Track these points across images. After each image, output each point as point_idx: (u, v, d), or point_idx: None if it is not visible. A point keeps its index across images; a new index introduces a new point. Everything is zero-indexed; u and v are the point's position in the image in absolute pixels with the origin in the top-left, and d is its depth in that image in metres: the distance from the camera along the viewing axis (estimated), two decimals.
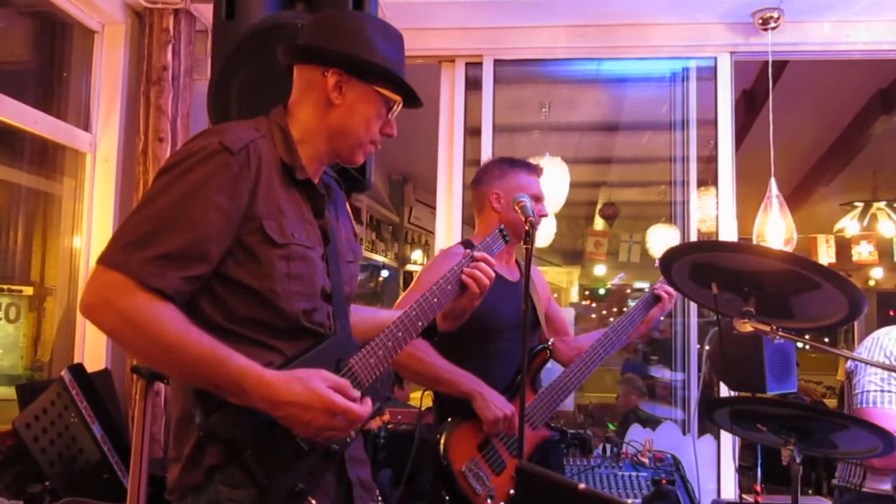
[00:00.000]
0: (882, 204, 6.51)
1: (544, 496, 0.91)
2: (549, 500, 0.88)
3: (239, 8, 2.24)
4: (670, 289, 2.52)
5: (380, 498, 1.64)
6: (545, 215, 2.48)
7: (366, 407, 1.40)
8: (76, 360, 3.19)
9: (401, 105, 1.56)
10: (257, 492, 1.35)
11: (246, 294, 1.40)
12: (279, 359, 1.41)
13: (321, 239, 1.52)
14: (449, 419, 2.30)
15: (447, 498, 2.20)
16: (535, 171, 2.53)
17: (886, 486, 2.28)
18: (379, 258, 7.35)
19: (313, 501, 1.39)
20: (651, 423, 3.66)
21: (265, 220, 1.40)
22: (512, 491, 2.23)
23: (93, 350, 3.24)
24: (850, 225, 6.42)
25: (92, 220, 3.30)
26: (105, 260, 1.33)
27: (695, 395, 3.75)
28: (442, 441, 2.24)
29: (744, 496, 3.12)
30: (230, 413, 1.33)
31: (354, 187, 2.25)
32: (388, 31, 1.55)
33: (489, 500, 2.19)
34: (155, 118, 3.19)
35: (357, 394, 1.40)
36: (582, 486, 0.79)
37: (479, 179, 2.57)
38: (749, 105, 4.96)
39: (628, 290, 7.82)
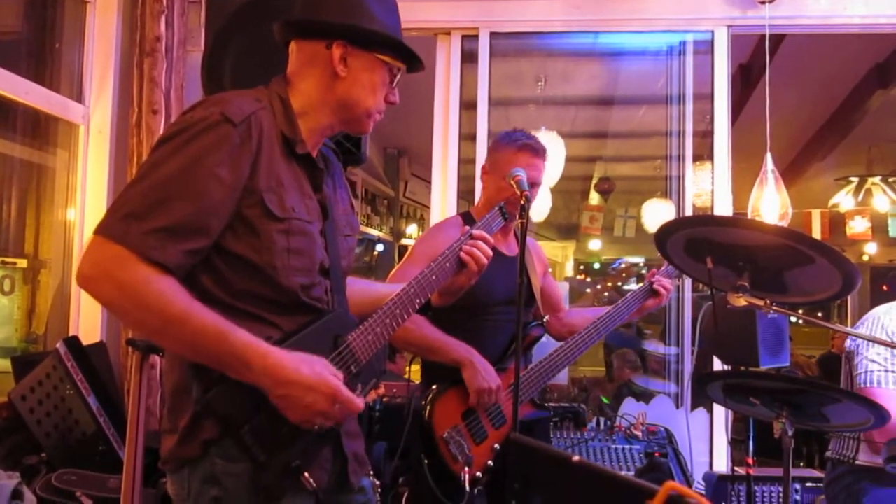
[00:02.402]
0: (877, 179, 6.52)
1: (537, 468, 0.92)
2: (542, 472, 0.89)
3: None
4: (667, 283, 2.53)
5: (371, 472, 1.66)
6: (531, 199, 2.39)
7: (361, 400, 1.41)
8: (71, 333, 3.20)
9: (403, 70, 1.54)
10: (253, 466, 1.36)
11: (245, 268, 1.39)
12: (277, 334, 1.40)
13: (320, 213, 1.51)
14: (434, 386, 2.32)
15: (427, 462, 2.22)
16: (531, 150, 2.40)
17: (879, 459, 2.30)
18: (374, 232, 7.34)
19: (309, 477, 1.40)
20: (644, 396, 3.70)
21: (266, 194, 1.39)
22: (490, 462, 2.26)
23: (88, 323, 3.24)
24: (844, 200, 6.44)
25: (86, 193, 3.29)
26: (104, 231, 1.30)
27: (688, 368, 3.78)
28: (426, 407, 2.27)
29: (736, 469, 3.16)
30: (228, 388, 1.33)
31: (349, 160, 2.25)
32: None
33: (466, 469, 2.21)
34: (148, 90, 3.15)
35: (348, 395, 1.39)
36: (576, 457, 0.80)
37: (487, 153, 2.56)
38: (745, 79, 4.94)
39: (622, 265, 7.84)
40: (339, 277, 1.54)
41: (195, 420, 1.37)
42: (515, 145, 2.42)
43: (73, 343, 2.80)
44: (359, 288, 1.69)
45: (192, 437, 1.37)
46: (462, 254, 1.63)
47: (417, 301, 1.57)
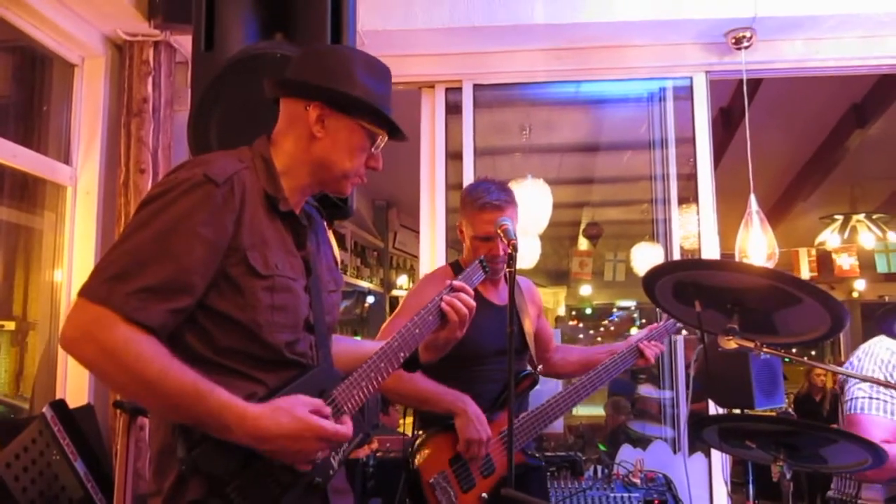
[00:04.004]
0: (861, 216, 6.60)
1: None
2: None
3: (218, 39, 2.24)
4: (656, 346, 2.55)
5: None
6: (497, 255, 2.36)
7: (348, 426, 1.41)
8: (58, 395, 3.15)
9: (385, 138, 1.56)
10: None
11: (229, 325, 1.40)
12: (262, 390, 1.40)
13: (304, 270, 1.52)
14: (421, 431, 2.30)
15: None
16: (490, 207, 2.35)
17: (880, 497, 2.29)
18: (364, 284, 7.33)
19: None
20: (641, 442, 3.66)
21: (249, 252, 1.40)
22: None
23: (75, 384, 3.20)
24: (830, 238, 6.50)
25: (73, 254, 3.28)
26: (87, 293, 1.31)
27: (684, 412, 3.75)
28: (414, 450, 2.24)
29: None
30: (213, 446, 1.32)
31: (337, 214, 2.25)
32: (375, 65, 1.56)
33: None
34: (136, 150, 3.18)
35: (329, 410, 1.40)
36: None
37: (460, 207, 2.57)
38: (726, 123, 5.03)
39: (617, 318, 7.84)
40: (323, 333, 1.55)
41: (180, 480, 1.35)
42: (477, 205, 2.38)
43: (59, 406, 2.76)
44: (345, 345, 1.70)
45: (178, 498, 1.36)
46: (442, 304, 1.63)
47: (402, 354, 1.57)
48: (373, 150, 1.55)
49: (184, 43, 3.24)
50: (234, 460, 1.33)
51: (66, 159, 3.34)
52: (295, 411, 1.34)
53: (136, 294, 1.30)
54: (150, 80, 3.20)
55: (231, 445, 1.32)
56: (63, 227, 3.32)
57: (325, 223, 1.90)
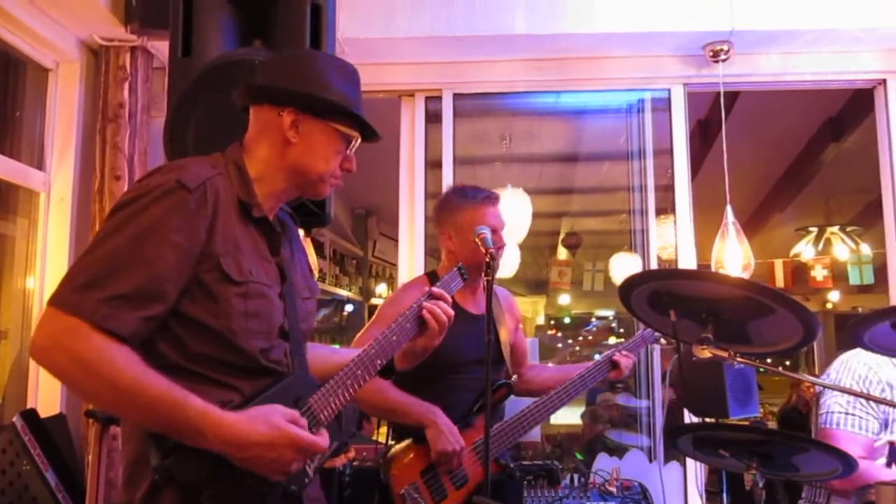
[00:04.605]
0: (835, 228, 6.68)
1: None
2: None
3: (196, 45, 2.22)
4: (628, 358, 2.56)
5: None
6: (503, 246, 2.45)
7: (324, 438, 1.41)
8: (29, 405, 3.10)
9: (359, 140, 1.57)
10: None
11: (202, 332, 1.39)
12: (237, 397, 1.39)
13: (278, 276, 1.52)
14: (393, 441, 2.30)
15: None
16: (487, 200, 2.45)
17: None
18: (343, 292, 7.30)
19: None
20: (618, 450, 3.67)
21: (222, 258, 1.39)
22: None
23: (47, 394, 3.15)
24: (805, 249, 6.57)
25: (46, 261, 3.23)
26: (57, 301, 1.30)
27: (660, 421, 3.77)
28: (386, 461, 2.23)
29: None
30: (188, 454, 1.31)
31: (314, 222, 2.24)
32: (344, 67, 1.57)
33: None
34: (111, 156, 3.15)
35: (305, 422, 1.40)
36: None
37: (436, 215, 2.57)
38: (704, 135, 5.08)
39: (595, 327, 7.87)
40: (298, 340, 1.54)
41: (153, 490, 1.34)
42: (475, 201, 2.44)
43: (30, 416, 2.72)
44: (321, 353, 1.69)
45: None
46: (423, 312, 1.63)
47: (378, 362, 1.57)
48: (347, 151, 1.55)
49: (161, 48, 3.22)
50: (208, 469, 1.32)
51: (39, 165, 3.29)
52: (272, 419, 1.34)
53: (108, 302, 1.28)
54: (126, 85, 3.17)
55: (206, 454, 1.30)
56: (36, 234, 3.27)
57: (302, 231, 1.89)
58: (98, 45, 3.27)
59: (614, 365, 2.55)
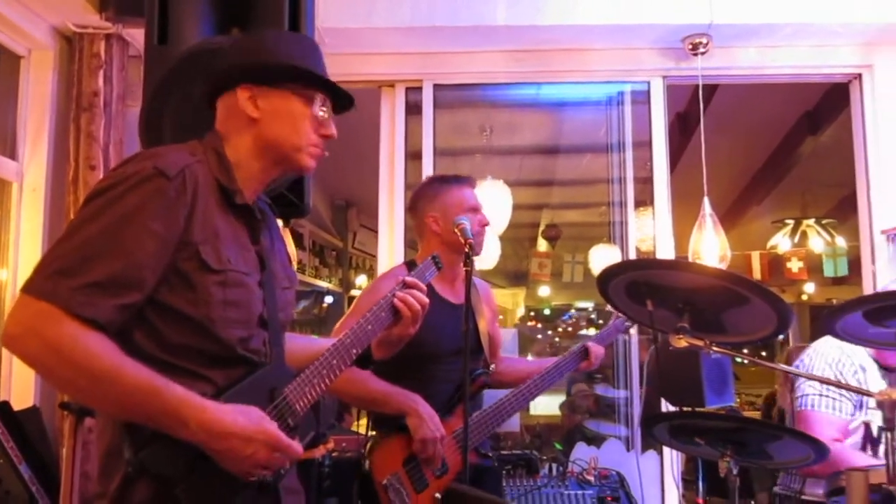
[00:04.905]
0: (811, 221, 6.76)
1: None
2: None
3: (172, 32, 2.19)
4: (600, 349, 2.57)
5: None
6: (487, 223, 2.49)
7: (299, 446, 1.40)
8: (2, 398, 3.05)
9: (328, 101, 1.53)
10: None
11: (181, 321, 1.37)
12: (211, 389, 1.37)
13: (258, 265, 1.50)
14: (375, 432, 2.30)
15: None
16: (467, 182, 2.52)
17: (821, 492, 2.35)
18: (323, 284, 7.27)
19: None
20: (596, 440, 3.70)
21: (201, 246, 1.37)
22: None
23: (20, 387, 3.11)
24: (782, 241, 6.64)
25: (19, 253, 3.19)
26: (30, 288, 1.27)
27: (637, 411, 3.80)
28: (367, 452, 2.24)
29: None
30: (162, 446, 1.29)
31: (293, 212, 2.23)
32: (297, 37, 1.58)
33: None
34: (86, 145, 3.10)
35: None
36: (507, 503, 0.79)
37: (414, 204, 2.58)
38: (683, 128, 5.11)
39: (572, 318, 7.92)
40: (277, 330, 1.52)
41: (127, 482, 1.32)
42: (458, 183, 2.50)
43: (3, 409, 2.69)
44: (298, 343, 1.67)
45: (124, 501, 1.32)
46: (396, 301, 1.62)
47: (354, 351, 1.56)
48: (318, 115, 1.51)
49: (137, 36, 3.17)
50: (183, 461, 1.30)
51: (11, 154, 3.24)
52: (252, 415, 1.34)
53: (83, 289, 1.26)
54: (101, 73, 3.13)
55: (181, 446, 1.29)
56: (8, 225, 3.22)
57: (281, 222, 1.88)
58: (72, 32, 3.22)
59: (585, 355, 2.57)
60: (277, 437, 1.34)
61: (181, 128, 2.08)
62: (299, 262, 6.27)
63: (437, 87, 3.78)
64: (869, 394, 1.78)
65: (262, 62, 1.48)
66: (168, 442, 1.28)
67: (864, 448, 2.44)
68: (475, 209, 2.46)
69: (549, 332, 7.97)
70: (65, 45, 3.29)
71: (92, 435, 2.89)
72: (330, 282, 7.45)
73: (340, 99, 1.56)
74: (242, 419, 1.31)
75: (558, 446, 4.41)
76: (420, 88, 3.77)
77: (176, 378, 1.31)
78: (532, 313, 8.26)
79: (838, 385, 2.38)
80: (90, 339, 1.26)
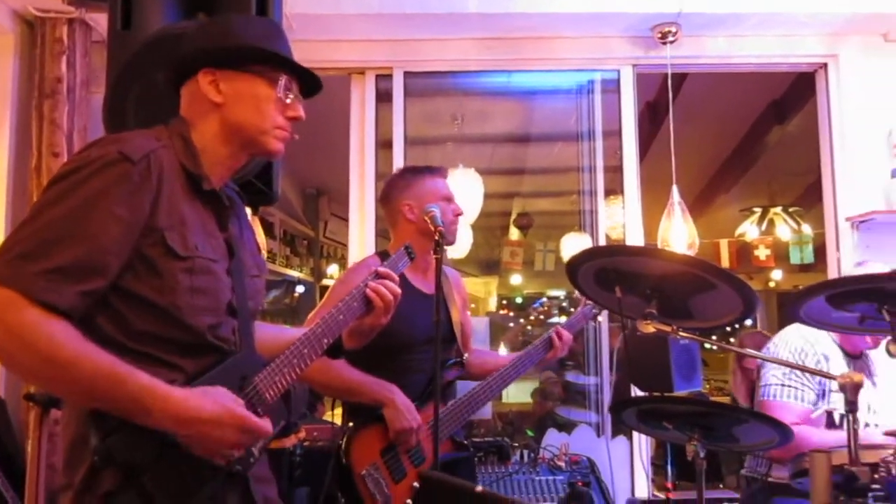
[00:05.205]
0: (778, 209, 6.86)
1: (444, 501, 0.91)
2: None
3: (136, 17, 2.15)
4: (567, 335, 2.57)
5: None
6: (461, 213, 2.50)
7: (268, 424, 1.39)
8: None
9: (293, 84, 1.51)
10: None
11: (146, 309, 1.35)
12: (180, 377, 1.36)
13: (226, 252, 1.48)
14: (351, 423, 2.29)
15: (343, 501, 2.19)
16: (440, 172, 2.54)
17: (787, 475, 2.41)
18: (294, 273, 7.22)
19: None
20: (567, 426, 3.74)
21: (167, 232, 1.36)
22: (409, 501, 2.23)
23: None
24: (749, 229, 6.73)
25: None
26: None
27: (607, 398, 3.84)
28: (345, 443, 2.23)
29: (656, 493, 3.22)
30: (129, 434, 1.27)
31: (262, 200, 2.21)
32: (258, 19, 1.57)
33: None
34: (49, 132, 3.04)
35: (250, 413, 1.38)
36: (479, 488, 0.80)
37: (387, 193, 2.57)
38: (653, 117, 5.14)
39: (543, 305, 7.94)
40: (246, 318, 1.51)
41: (93, 471, 1.30)
42: (429, 173, 2.51)
43: None
44: (269, 332, 1.66)
45: (90, 491, 1.30)
46: (368, 291, 1.62)
47: (325, 340, 1.55)
48: (283, 97, 1.49)
49: (100, 21, 3.10)
50: (150, 449, 1.29)
51: None
52: (219, 398, 1.32)
53: (46, 275, 1.24)
54: (63, 59, 3.06)
55: (148, 433, 1.27)
56: None
57: (249, 210, 1.86)
58: (33, 16, 3.15)
59: (550, 345, 2.57)
60: (245, 417, 1.34)
61: (146, 114, 2.05)
62: (270, 252, 6.22)
63: (407, 74, 3.76)
64: (831, 376, 1.82)
65: (222, 45, 1.47)
66: (135, 429, 1.27)
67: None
68: (449, 199, 2.47)
69: (521, 321, 8.01)
70: (26, 30, 3.22)
71: (58, 427, 2.85)
72: (301, 271, 7.40)
73: (307, 81, 1.54)
74: (208, 403, 1.30)
75: (530, 433, 4.45)
76: (390, 76, 3.75)
77: (145, 366, 1.30)
78: (504, 302, 8.29)
79: (802, 369, 2.42)
80: (53, 327, 1.24)
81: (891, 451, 1.70)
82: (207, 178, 1.45)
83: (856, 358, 2.58)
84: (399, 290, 1.67)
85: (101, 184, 1.30)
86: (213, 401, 1.31)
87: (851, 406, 1.68)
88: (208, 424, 1.29)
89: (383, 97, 3.78)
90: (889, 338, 1.72)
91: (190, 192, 1.43)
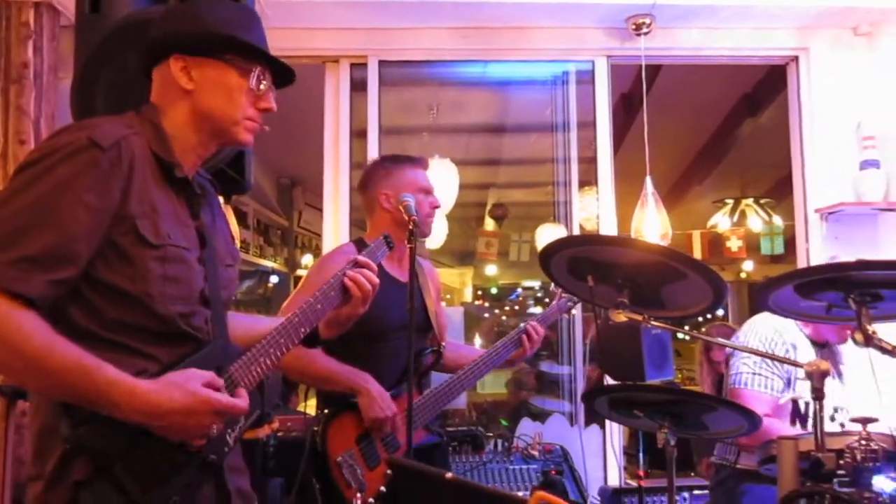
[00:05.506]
0: (750, 201, 6.94)
1: (414, 487, 0.92)
2: (420, 491, 0.89)
3: (105, 1, 2.12)
4: (541, 330, 2.55)
5: None
6: (438, 206, 2.51)
7: (244, 399, 1.39)
8: None
9: (267, 74, 1.49)
10: None
11: (118, 297, 1.34)
12: (155, 366, 1.35)
13: (198, 241, 1.47)
14: (326, 410, 2.29)
15: (318, 487, 2.18)
16: (420, 163, 2.53)
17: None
18: (268, 263, 7.17)
19: None
20: (541, 416, 3.77)
21: (139, 220, 1.34)
22: (383, 488, 2.24)
23: None
24: (721, 221, 6.80)
25: None
26: None
27: (580, 387, 3.87)
28: (320, 430, 2.23)
29: (628, 481, 3.25)
30: (102, 422, 1.26)
31: (234, 189, 2.19)
32: (233, 4, 1.52)
33: (359, 495, 2.18)
34: (15, 119, 2.98)
35: (222, 383, 1.37)
36: (449, 474, 0.80)
37: (366, 182, 2.56)
38: (627, 108, 5.17)
39: (520, 296, 7.99)
40: (219, 307, 1.50)
41: (64, 461, 1.29)
42: (409, 163, 2.51)
43: None
44: (243, 322, 1.66)
45: (61, 481, 1.29)
46: (346, 280, 1.62)
47: (302, 330, 1.55)
48: (256, 88, 1.48)
49: (68, 5, 3.03)
50: (122, 438, 1.28)
51: None
52: (188, 386, 1.31)
53: (14, 264, 1.22)
54: (30, 43, 3.00)
55: (119, 423, 1.26)
56: None
57: (222, 198, 1.84)
58: None
59: (520, 343, 2.55)
60: (217, 401, 1.33)
61: (116, 100, 2.02)
62: (243, 241, 6.17)
63: (382, 63, 3.74)
64: (798, 364, 1.85)
65: (196, 31, 1.44)
66: (107, 419, 1.26)
67: (792, 423, 2.54)
68: (427, 191, 2.47)
69: (497, 311, 8.04)
70: None
71: (25, 418, 2.81)
72: (275, 261, 7.35)
73: (281, 72, 1.53)
74: (177, 394, 1.29)
75: (504, 423, 4.48)
76: (365, 65, 3.73)
77: (118, 356, 1.30)
78: (479, 292, 8.31)
79: (772, 357, 2.46)
80: (21, 318, 1.22)
81: (856, 438, 1.73)
82: (180, 166, 1.44)
83: (822, 347, 2.63)
84: (377, 281, 1.67)
85: (70, 171, 1.29)
86: (181, 391, 1.29)
87: (818, 393, 1.70)
88: (179, 415, 1.28)
89: (358, 86, 3.75)
90: (856, 326, 1.75)
91: (161, 180, 1.42)
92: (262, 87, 1.49)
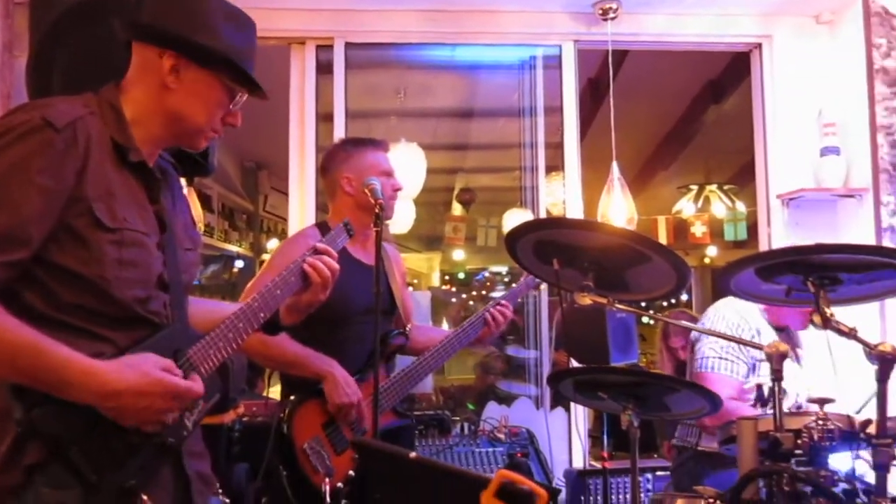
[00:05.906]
0: (714, 187, 7.02)
1: (380, 467, 0.92)
2: (385, 471, 0.90)
3: None
4: (503, 313, 2.53)
5: (220, 491, 1.60)
6: (400, 188, 2.49)
7: (198, 384, 1.38)
8: None
9: (245, 95, 1.49)
10: (84, 490, 1.27)
11: (72, 280, 1.32)
12: (111, 349, 1.33)
13: (157, 225, 1.45)
14: (292, 396, 2.28)
15: (285, 474, 2.17)
16: (381, 146, 2.52)
17: (716, 444, 2.49)
18: (233, 248, 7.08)
19: (146, 498, 1.32)
20: (507, 400, 3.80)
21: (95, 203, 1.32)
22: (351, 472, 2.24)
23: None
24: (686, 206, 6.88)
25: None
26: None
27: (546, 371, 3.91)
28: (286, 417, 2.22)
29: (592, 463, 3.30)
30: (55, 405, 1.25)
31: (197, 171, 2.15)
32: (238, 16, 1.48)
33: (327, 480, 2.18)
34: None
35: (180, 372, 1.36)
36: (413, 454, 0.81)
37: (326, 165, 2.55)
38: (594, 93, 5.19)
39: (485, 278, 8.00)
40: (179, 292, 1.48)
41: (17, 444, 1.26)
42: (371, 146, 2.49)
43: None
44: (203, 307, 1.64)
45: (14, 464, 1.26)
46: (305, 266, 1.60)
47: (261, 315, 1.53)
48: (231, 106, 1.48)
49: None
50: (77, 420, 1.26)
51: None
52: (142, 367, 1.30)
53: None
54: None
55: (74, 406, 1.25)
56: None
57: (184, 181, 1.81)
58: None
59: (485, 323, 2.53)
60: (171, 383, 1.32)
61: (72, 80, 1.96)
62: (207, 226, 6.07)
63: (349, 45, 3.70)
64: (759, 346, 1.88)
65: (202, 44, 1.41)
66: (61, 401, 1.25)
67: (755, 406, 2.58)
68: (388, 173, 2.46)
69: (464, 296, 8.06)
70: None
71: None
72: (240, 246, 7.26)
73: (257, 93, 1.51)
74: (131, 374, 1.28)
75: (471, 407, 4.51)
76: (331, 47, 3.68)
77: (74, 339, 1.28)
78: (447, 277, 8.32)
79: (739, 342, 2.49)
80: None
81: (813, 418, 1.77)
82: (136, 150, 1.41)
83: (780, 331, 2.68)
84: (337, 267, 1.66)
85: (22, 151, 1.26)
86: (135, 371, 1.28)
87: (777, 374, 1.74)
88: (132, 396, 1.27)
89: (324, 68, 3.71)
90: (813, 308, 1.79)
91: (119, 163, 1.39)
92: (236, 105, 1.49)
